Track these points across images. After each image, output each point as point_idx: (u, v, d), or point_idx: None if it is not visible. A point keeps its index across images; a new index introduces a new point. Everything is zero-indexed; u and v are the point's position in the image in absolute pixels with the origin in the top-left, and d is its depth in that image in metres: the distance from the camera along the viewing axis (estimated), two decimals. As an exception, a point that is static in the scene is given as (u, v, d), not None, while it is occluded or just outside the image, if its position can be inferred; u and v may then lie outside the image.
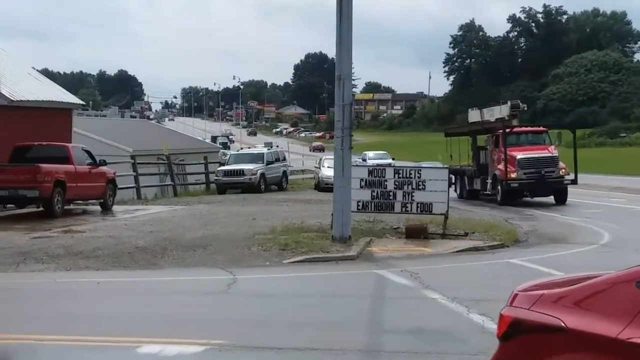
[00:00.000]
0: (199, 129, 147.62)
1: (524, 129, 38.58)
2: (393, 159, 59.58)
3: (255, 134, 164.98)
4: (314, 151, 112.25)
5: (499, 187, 35.87)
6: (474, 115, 42.92)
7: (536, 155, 35.76)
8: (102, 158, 30.62)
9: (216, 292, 14.03)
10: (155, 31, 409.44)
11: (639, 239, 22.05)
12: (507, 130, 36.42)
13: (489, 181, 37.48)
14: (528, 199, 36.74)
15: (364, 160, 59.72)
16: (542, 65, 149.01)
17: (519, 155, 35.46)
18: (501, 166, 35.63)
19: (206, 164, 45.91)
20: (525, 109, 43.18)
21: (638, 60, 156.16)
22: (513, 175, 35.13)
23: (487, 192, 37.92)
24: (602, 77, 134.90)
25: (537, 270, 15.78)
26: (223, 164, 46.46)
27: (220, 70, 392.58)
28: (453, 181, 39.93)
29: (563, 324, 4.83)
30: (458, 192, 41.50)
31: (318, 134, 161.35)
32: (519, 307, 5.22)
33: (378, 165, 50.74)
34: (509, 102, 38.80)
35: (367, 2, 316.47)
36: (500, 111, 38.85)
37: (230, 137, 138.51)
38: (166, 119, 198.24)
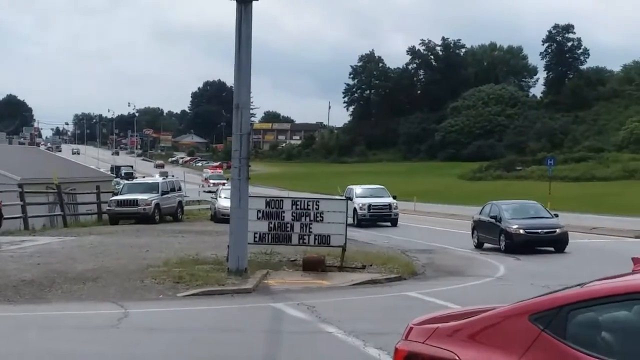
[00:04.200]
0: (98, 159, 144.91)
1: None
2: (394, 198, 45.39)
3: (162, 166, 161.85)
4: (156, 167, 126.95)
5: None
6: None
7: None
8: (-13, 186, 29.75)
9: (106, 327, 13.74)
10: (47, 55, 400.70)
11: (532, 272, 22.61)
12: None
13: None
14: None
15: (349, 198, 42.16)
16: (440, 98, 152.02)
17: None
18: None
19: (98, 193, 45.11)
20: None
21: (534, 94, 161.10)
22: None
23: None
24: (499, 111, 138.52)
25: (433, 303, 15.99)
26: (116, 194, 45.76)
27: (114, 97, 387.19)
28: None
29: (457, 358, 4.89)
30: None
31: (215, 164, 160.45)
32: (413, 340, 5.27)
33: (373, 205, 43.79)
34: None
35: (267, 30, 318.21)
36: None
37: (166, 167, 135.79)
38: (70, 149, 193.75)
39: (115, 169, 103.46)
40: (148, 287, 18.20)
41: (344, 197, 43.61)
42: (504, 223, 29.48)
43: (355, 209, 43.15)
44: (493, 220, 30.30)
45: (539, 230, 29.03)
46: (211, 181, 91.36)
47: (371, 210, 43.87)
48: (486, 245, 30.87)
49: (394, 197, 45.37)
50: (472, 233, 32.37)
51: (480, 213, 32.13)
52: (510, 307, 5.04)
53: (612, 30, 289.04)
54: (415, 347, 5.19)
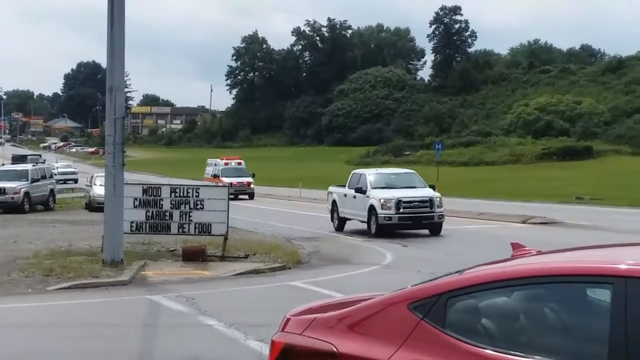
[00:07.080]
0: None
1: None
2: (432, 187, 30.98)
3: (2, 144, 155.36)
4: None
5: None
6: None
7: None
8: None
9: (-32, 325, 13.33)
10: None
11: (420, 259, 22.98)
12: None
13: None
14: None
15: (360, 190, 30.17)
16: (327, 81, 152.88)
17: None
18: None
19: (-39, 182, 43.68)
20: None
21: (422, 77, 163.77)
22: None
23: None
24: (386, 94, 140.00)
25: (318, 293, 16.06)
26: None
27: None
28: None
29: (335, 349, 4.89)
30: None
31: (91, 149, 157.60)
32: (290, 332, 5.24)
33: (404, 201, 28.90)
34: None
35: (144, 8, 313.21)
36: None
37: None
38: None
39: (20, 159, 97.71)
40: (15, 281, 17.78)
41: (353, 189, 30.78)
42: None
43: (372, 207, 29.43)
44: None
45: None
46: (225, 179, 53.95)
47: (401, 210, 29.06)
48: None
49: (432, 187, 30.93)
50: None
51: None
52: (389, 295, 5.06)
53: (499, 13, 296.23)
54: (293, 339, 5.16)
